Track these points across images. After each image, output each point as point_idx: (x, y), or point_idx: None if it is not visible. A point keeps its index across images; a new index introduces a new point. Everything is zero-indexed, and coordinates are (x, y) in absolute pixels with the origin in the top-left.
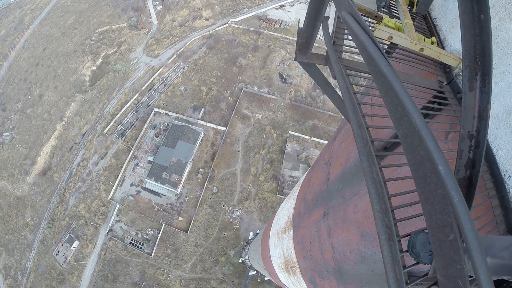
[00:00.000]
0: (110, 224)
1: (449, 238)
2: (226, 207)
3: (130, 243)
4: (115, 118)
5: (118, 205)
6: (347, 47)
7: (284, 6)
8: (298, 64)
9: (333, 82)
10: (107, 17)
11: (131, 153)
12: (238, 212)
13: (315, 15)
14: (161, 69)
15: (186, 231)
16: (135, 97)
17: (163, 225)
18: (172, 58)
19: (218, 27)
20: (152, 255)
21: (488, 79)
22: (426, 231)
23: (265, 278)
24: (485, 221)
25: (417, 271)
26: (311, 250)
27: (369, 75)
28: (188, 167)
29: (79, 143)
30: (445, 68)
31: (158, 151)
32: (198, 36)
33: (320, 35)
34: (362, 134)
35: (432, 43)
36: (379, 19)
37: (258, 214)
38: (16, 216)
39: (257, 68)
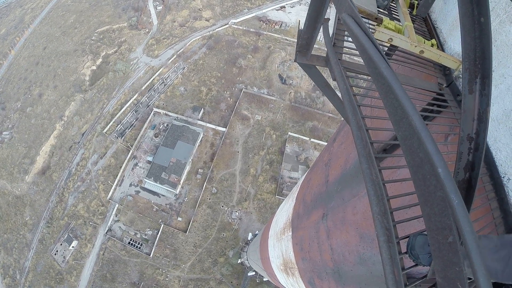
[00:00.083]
0: (109, 224)
1: (448, 240)
2: (225, 208)
3: (129, 243)
4: (115, 118)
5: (117, 205)
6: (347, 49)
7: (284, 7)
8: (298, 65)
9: (333, 83)
10: (107, 17)
11: (130, 153)
12: (237, 213)
13: (315, 16)
14: (161, 69)
15: (185, 232)
16: (134, 97)
17: (162, 225)
18: (172, 59)
19: (218, 28)
20: (151, 255)
21: (488, 81)
22: (425, 233)
23: (264, 279)
24: (484, 223)
25: (416, 273)
26: (310, 251)
27: (369, 77)
28: (187, 168)
29: (79, 142)
30: (445, 71)
31: (157, 151)
32: (198, 37)
33: (320, 36)
34: (362, 136)
35: (432, 45)
36: (379, 21)
37: (257, 215)
38: (15, 215)
39: (257, 69)
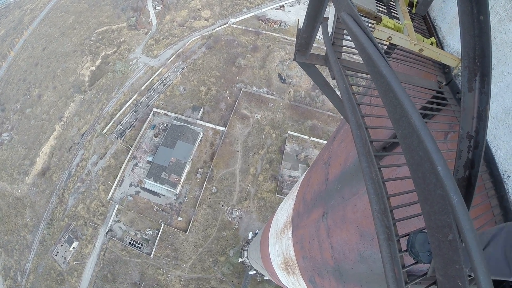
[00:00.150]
0: (109, 225)
1: (448, 238)
2: (225, 207)
3: (130, 243)
4: (114, 118)
5: (117, 205)
6: (346, 48)
7: (283, 6)
8: (297, 64)
9: (332, 82)
10: (106, 17)
11: (130, 153)
12: (237, 212)
13: (314, 15)
14: (160, 69)
15: (186, 231)
16: (134, 97)
17: (163, 225)
18: (171, 58)
19: (217, 27)
20: (152, 255)
21: (487, 80)
22: (425, 231)
23: (265, 278)
24: (484, 221)
25: (416, 271)
26: (310, 249)
27: (368, 76)
28: (187, 167)
29: (78, 143)
30: (444, 69)
31: (157, 151)
32: (198, 37)
33: (319, 35)
34: (361, 134)
35: (432, 43)
36: (378, 20)
37: (257, 214)
38: (15, 217)
39: (256, 68)
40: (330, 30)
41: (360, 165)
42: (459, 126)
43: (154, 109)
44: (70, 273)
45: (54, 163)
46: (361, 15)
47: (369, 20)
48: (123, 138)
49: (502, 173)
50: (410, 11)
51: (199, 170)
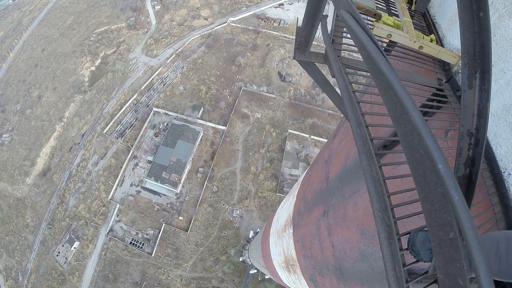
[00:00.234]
0: (110, 224)
1: (449, 236)
2: (226, 206)
3: (131, 243)
4: (115, 118)
5: (118, 205)
6: (346, 46)
7: (283, 4)
8: (297, 62)
9: (332, 80)
10: (105, 18)
11: (130, 153)
12: (238, 211)
13: (313, 13)
14: (160, 69)
15: (187, 231)
16: (134, 97)
17: (163, 224)
18: (171, 58)
19: (217, 26)
20: (153, 255)
21: (488, 77)
22: (426, 229)
23: (266, 277)
24: (485, 219)
25: (417, 269)
26: (311, 248)
27: (368, 74)
28: (188, 167)
29: (79, 143)
30: (444, 66)
31: (157, 151)
32: (197, 36)
33: (319, 33)
34: (362, 132)
35: (431, 40)
36: (378, 17)
37: (258, 213)
38: (16, 218)
39: (256, 67)
40: (329, 28)
41: (361, 163)
42: (460, 123)
43: (154, 109)
44: (72, 273)
45: (55, 164)
46: (360, 13)
47: (369, 18)
48: (123, 138)
49: (502, 171)
50: (409, 8)
51: (200, 169)
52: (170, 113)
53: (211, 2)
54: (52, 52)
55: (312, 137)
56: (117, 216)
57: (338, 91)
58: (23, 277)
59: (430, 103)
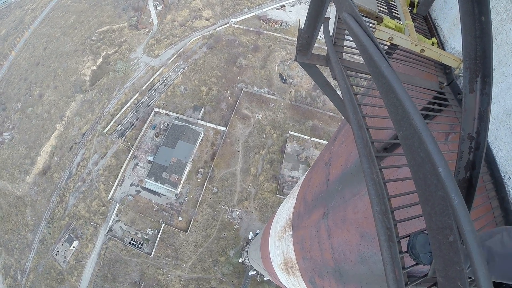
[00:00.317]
0: (109, 224)
1: (449, 239)
2: (226, 207)
3: (130, 243)
4: (115, 118)
5: (117, 205)
6: (347, 48)
7: (284, 6)
8: (298, 64)
9: (333, 82)
10: (107, 17)
11: (131, 153)
12: (237, 212)
13: (315, 15)
14: (161, 69)
15: (186, 231)
16: (135, 97)
17: (163, 225)
18: (172, 58)
19: (218, 27)
20: (152, 255)
21: (489, 81)
22: (426, 232)
23: (265, 278)
24: (485, 222)
25: (417, 272)
26: (310, 250)
27: (370, 76)
28: (188, 167)
29: (79, 142)
30: (445, 69)
31: (158, 151)
32: (199, 36)
33: (320, 35)
34: (362, 135)
35: (433, 44)
36: (379, 20)
37: (257, 214)
38: (15, 216)
39: (257, 68)
40: (331, 30)
41: (361, 165)
42: (460, 127)
43: (155, 109)
44: (70, 272)
45: (55, 163)
46: (362, 15)
47: (370, 20)
48: (124, 137)
49: (503, 174)
50: (411, 11)
51: (200, 170)
52: (171, 113)
53: (213, 3)
54: (53, 51)
55: (312, 139)
56: (117, 216)
57: (339, 93)
58: (22, 275)
59: (431, 106)
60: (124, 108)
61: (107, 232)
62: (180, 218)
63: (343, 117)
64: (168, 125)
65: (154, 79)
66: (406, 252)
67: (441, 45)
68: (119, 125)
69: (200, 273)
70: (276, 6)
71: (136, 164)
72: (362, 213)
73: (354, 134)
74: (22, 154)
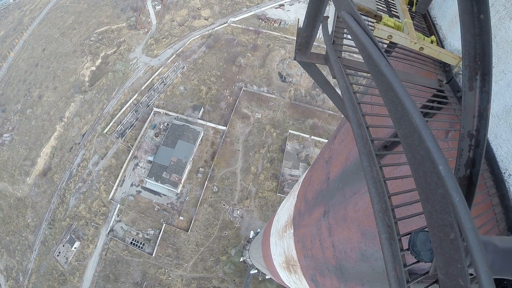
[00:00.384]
0: (110, 224)
1: (450, 237)
2: (227, 206)
3: (131, 243)
4: (115, 118)
5: (118, 205)
6: (346, 47)
7: (283, 5)
8: (297, 63)
9: (332, 81)
10: (106, 17)
11: (131, 153)
12: (238, 211)
13: (314, 14)
14: (160, 69)
15: (187, 231)
16: (134, 97)
17: (164, 224)
18: (171, 58)
19: (217, 26)
20: (153, 255)
21: (488, 78)
22: (426, 229)
23: (266, 277)
24: (486, 219)
25: (418, 269)
26: (312, 248)
27: (369, 75)
28: (188, 167)
29: (79, 143)
30: (444, 67)
31: (158, 151)
32: (198, 36)
33: (319, 34)
34: (362, 133)
35: (432, 42)
36: (378, 18)
37: (258, 213)
38: (16, 217)
39: (256, 67)
40: (330, 29)
41: (361, 164)
42: (460, 124)
43: (155, 109)
44: (72, 273)
45: (55, 164)
46: (361, 14)
47: (369, 19)
48: (124, 138)
49: (503, 172)
50: (410, 10)
51: (200, 169)
52: (170, 113)
53: (211, 3)
54: (52, 51)
55: (312, 137)
56: (118, 216)
57: (339, 92)
58: (23, 277)
59: (431, 104)
60: (124, 108)
61: (108, 233)
62: (181, 218)
63: (342, 116)
64: (167, 125)
65: (153, 79)
66: (407, 249)
67: (440, 43)
68: (119, 126)
69: (202, 272)
70: (275, 5)
71: (136, 164)
72: (362, 211)
73: (354, 132)
74: (22, 155)
